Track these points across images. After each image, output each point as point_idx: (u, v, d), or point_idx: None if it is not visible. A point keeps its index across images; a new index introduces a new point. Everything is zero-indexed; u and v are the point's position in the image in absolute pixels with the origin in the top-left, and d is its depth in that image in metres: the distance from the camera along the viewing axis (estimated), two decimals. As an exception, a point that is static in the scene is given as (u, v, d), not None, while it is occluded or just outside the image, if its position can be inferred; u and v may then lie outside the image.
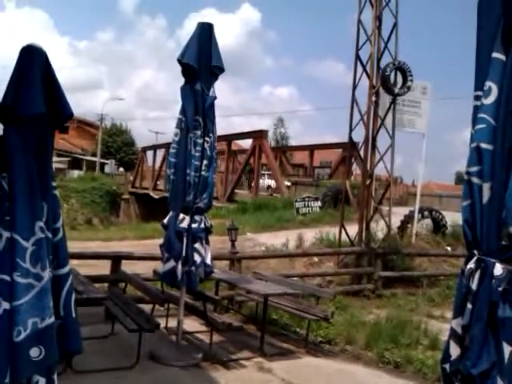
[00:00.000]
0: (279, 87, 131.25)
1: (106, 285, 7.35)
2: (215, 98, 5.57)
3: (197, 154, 5.41)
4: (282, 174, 31.38)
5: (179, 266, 5.44)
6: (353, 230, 10.64)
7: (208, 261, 5.69)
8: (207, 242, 5.73)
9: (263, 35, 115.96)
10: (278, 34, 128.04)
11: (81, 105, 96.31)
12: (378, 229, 10.97)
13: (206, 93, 5.47)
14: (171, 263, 5.49)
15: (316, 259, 10.69)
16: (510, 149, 2.17)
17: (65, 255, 2.42)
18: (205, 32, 5.43)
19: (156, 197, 35.69)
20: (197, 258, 5.52)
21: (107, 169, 48.81)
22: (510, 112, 2.17)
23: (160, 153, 40.64)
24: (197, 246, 5.54)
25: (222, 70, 5.54)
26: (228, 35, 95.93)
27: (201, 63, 5.36)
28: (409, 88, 10.25)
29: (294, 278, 8.88)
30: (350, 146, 11.37)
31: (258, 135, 28.63)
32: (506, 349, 2.21)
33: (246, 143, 33.73)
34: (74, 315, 2.43)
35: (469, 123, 2.39)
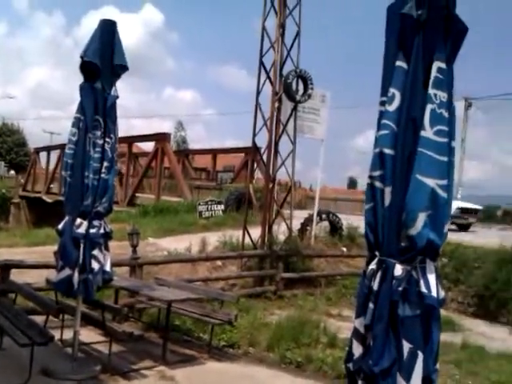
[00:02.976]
0: (182, 90, 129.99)
1: (-8, 296, 6.76)
2: (117, 97, 5.34)
3: (96, 156, 5.14)
4: (185, 177, 31.09)
5: (75, 274, 5.13)
6: (256, 233, 10.75)
7: (107, 268, 5.42)
8: (106, 248, 5.45)
9: (165, 36, 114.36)
10: (181, 36, 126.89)
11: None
12: (280, 231, 11.19)
13: (107, 92, 5.22)
14: (66, 271, 5.15)
15: (219, 263, 10.66)
16: (410, 155, 2.28)
17: None
18: (107, 29, 5.20)
19: (49, 201, 33.82)
20: (95, 266, 5.23)
21: (-4, 171, 45.36)
22: (411, 119, 2.28)
23: (54, 154, 38.55)
24: (95, 252, 5.25)
25: (125, 68, 5.33)
26: (129, 35, 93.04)
27: (103, 61, 5.11)
28: (309, 96, 10.59)
29: (198, 283, 8.78)
30: (254, 151, 11.50)
31: (161, 138, 28.17)
32: (406, 346, 2.32)
33: (148, 146, 32.99)
34: None
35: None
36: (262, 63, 10.59)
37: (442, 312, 8.26)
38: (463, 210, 18.00)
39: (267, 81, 10.60)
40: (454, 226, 16.74)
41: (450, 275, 10.77)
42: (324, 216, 13.57)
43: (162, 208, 20.76)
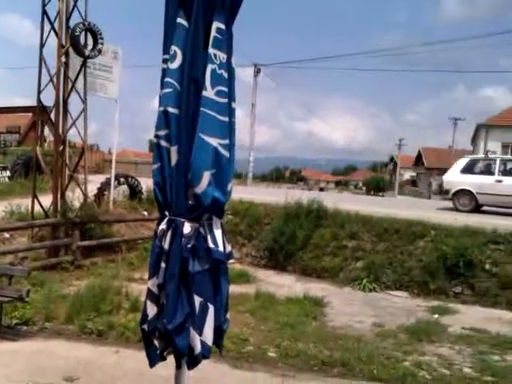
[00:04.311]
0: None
1: None
2: None
3: None
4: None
5: None
6: (48, 200, 10.01)
7: None
8: None
9: None
10: None
11: None
12: (75, 198, 10.60)
13: None
14: None
15: (7, 235, 9.69)
16: (194, 114, 2.29)
17: None
18: None
19: None
20: None
21: None
22: (193, 78, 2.29)
23: None
24: None
25: None
26: None
27: None
28: (100, 51, 10.03)
29: (-22, 259, 7.87)
30: (40, 110, 10.52)
31: None
32: (197, 300, 2.40)
33: None
34: None
35: (158, 93, 2.43)
36: (45, 12, 9.63)
37: (238, 266, 8.87)
38: None
39: (53, 33, 9.71)
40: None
41: (245, 232, 11.57)
42: (122, 180, 13.23)
43: None
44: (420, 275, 9.07)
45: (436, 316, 7.60)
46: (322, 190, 59.69)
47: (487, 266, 8.75)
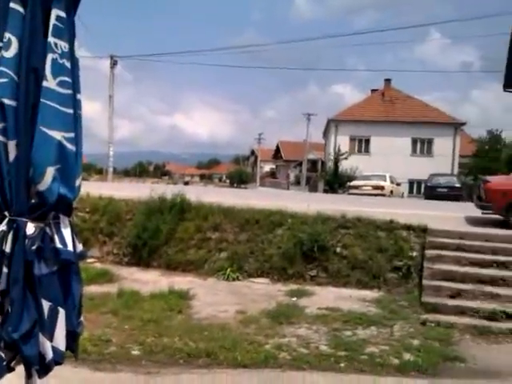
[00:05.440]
0: None
1: None
2: None
3: None
4: None
5: None
6: None
7: None
8: None
9: None
10: None
11: None
12: None
13: None
14: None
15: None
16: (34, 105, 2.15)
17: None
18: None
19: None
20: None
21: None
22: (32, 68, 2.14)
23: None
24: None
25: None
26: None
27: None
28: None
29: None
30: None
31: None
32: (46, 305, 2.26)
33: None
34: None
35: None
36: None
37: (99, 265, 8.48)
38: None
39: None
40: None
41: (105, 229, 11.13)
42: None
43: None
44: (279, 262, 9.52)
45: (294, 299, 8.04)
46: (187, 183, 59.74)
47: (338, 250, 9.47)
